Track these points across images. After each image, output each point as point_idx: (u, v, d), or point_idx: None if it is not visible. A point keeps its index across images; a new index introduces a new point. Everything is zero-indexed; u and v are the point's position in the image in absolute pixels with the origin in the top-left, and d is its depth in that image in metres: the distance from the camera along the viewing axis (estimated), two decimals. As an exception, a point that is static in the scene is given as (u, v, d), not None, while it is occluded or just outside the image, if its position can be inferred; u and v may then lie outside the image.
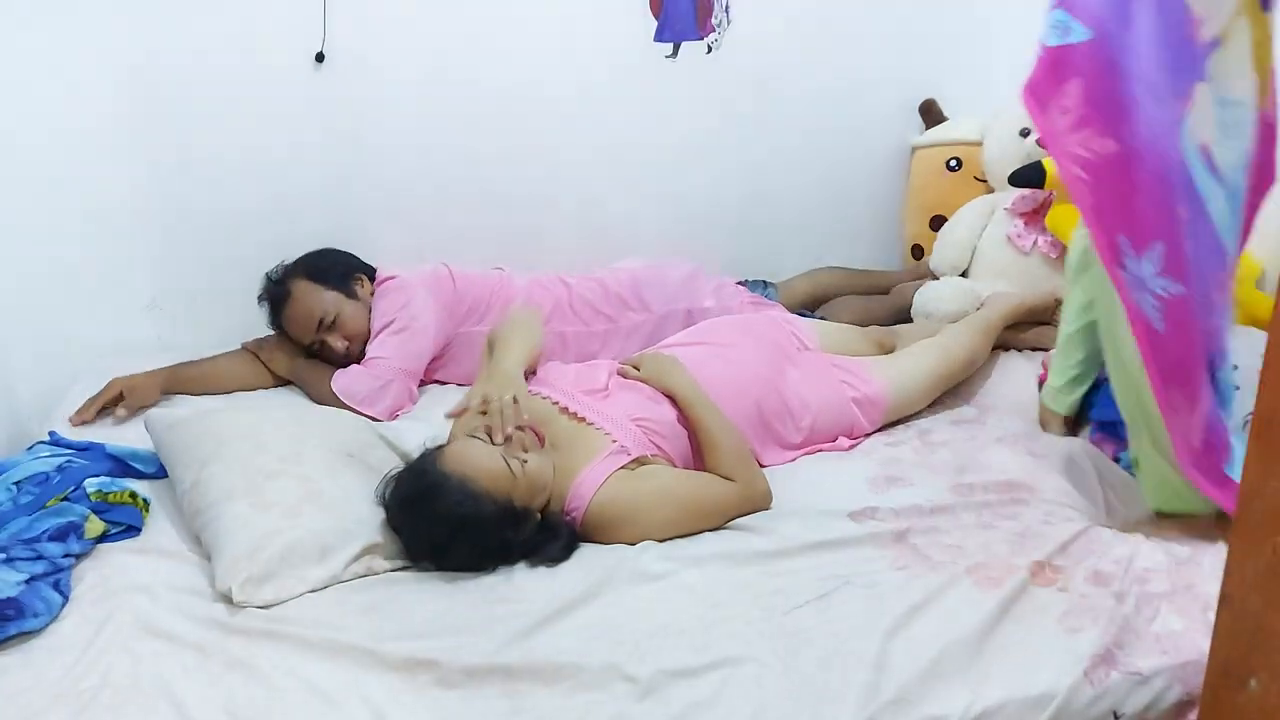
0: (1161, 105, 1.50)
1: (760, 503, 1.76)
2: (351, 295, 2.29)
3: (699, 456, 1.84)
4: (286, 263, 2.33)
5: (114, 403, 2.12)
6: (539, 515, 1.66)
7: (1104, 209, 1.51)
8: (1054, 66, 1.50)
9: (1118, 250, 1.50)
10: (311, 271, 2.28)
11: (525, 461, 1.64)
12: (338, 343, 2.26)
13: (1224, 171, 1.60)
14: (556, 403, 1.83)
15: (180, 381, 2.21)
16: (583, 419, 1.79)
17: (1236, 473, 1.45)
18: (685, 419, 1.85)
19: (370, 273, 2.37)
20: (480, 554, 1.60)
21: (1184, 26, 1.52)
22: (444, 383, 2.36)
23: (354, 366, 2.21)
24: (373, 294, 2.32)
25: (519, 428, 1.71)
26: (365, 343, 2.27)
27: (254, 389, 2.27)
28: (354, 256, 2.39)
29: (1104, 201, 1.51)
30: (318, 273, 2.28)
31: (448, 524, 1.57)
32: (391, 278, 2.32)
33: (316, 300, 2.25)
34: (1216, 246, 1.59)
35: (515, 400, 1.74)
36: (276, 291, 2.29)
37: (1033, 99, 1.54)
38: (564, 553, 1.62)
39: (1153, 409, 1.58)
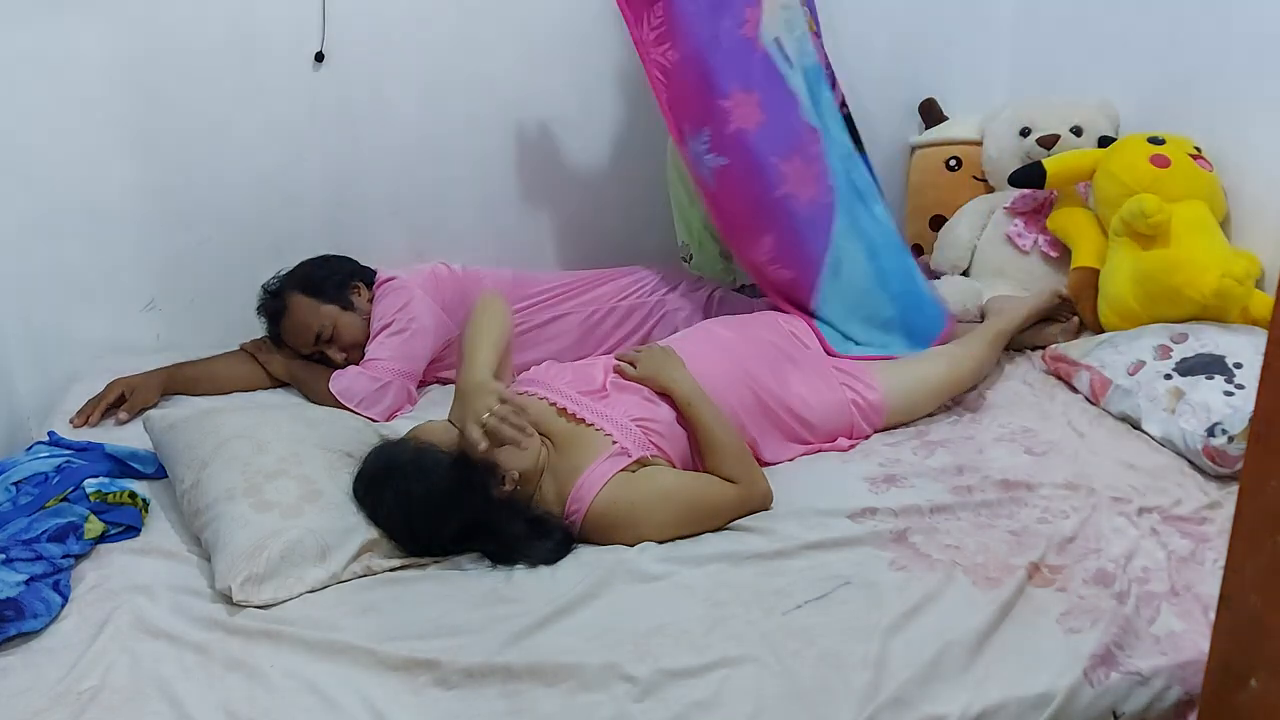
0: (709, 20, 2.04)
1: (761, 503, 1.76)
2: (348, 307, 2.28)
3: (698, 455, 1.84)
4: (282, 273, 2.32)
5: (116, 404, 2.12)
6: (516, 475, 1.63)
7: (673, 104, 2.11)
8: None
9: (683, 134, 2.13)
10: (307, 285, 2.27)
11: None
12: (336, 355, 2.26)
13: (794, 57, 2.17)
14: (554, 404, 1.82)
15: (179, 382, 2.21)
16: (581, 420, 1.78)
17: (825, 306, 2.21)
18: (683, 418, 1.85)
19: (368, 277, 2.36)
20: (445, 510, 1.59)
21: None
22: (445, 383, 2.36)
23: (352, 368, 2.21)
24: (371, 299, 2.32)
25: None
26: (362, 344, 2.27)
27: (252, 390, 2.27)
28: (351, 262, 2.38)
29: (673, 99, 2.10)
30: (313, 285, 2.27)
31: (400, 475, 1.61)
32: (391, 279, 2.32)
33: (313, 315, 2.24)
34: (800, 116, 2.16)
35: (503, 401, 1.61)
36: (273, 306, 2.28)
37: (630, 12, 2.07)
38: (556, 553, 1.62)
39: (710, 235, 2.31)
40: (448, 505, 1.60)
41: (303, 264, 2.34)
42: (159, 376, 2.19)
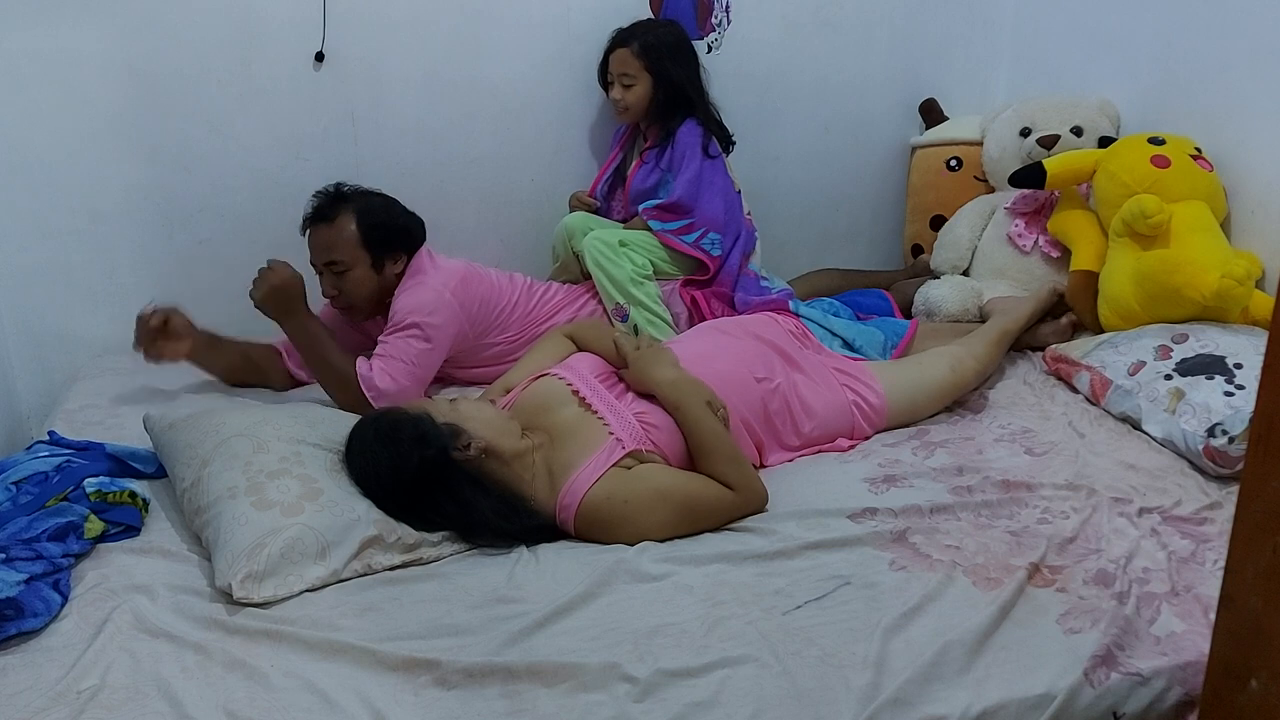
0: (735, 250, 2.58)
1: (758, 505, 1.76)
2: (378, 267, 2.22)
3: (693, 457, 1.83)
4: (357, 188, 2.24)
5: (161, 325, 2.11)
6: (483, 443, 1.68)
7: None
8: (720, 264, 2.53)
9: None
10: (364, 219, 2.19)
11: (453, 400, 1.81)
12: (330, 289, 2.22)
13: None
14: (570, 384, 1.84)
15: (212, 347, 2.20)
16: (590, 407, 1.80)
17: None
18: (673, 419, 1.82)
19: (414, 248, 2.28)
20: (402, 461, 1.65)
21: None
22: (447, 384, 2.35)
23: (376, 362, 2.16)
24: (401, 273, 2.25)
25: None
26: (357, 306, 2.24)
27: (266, 386, 2.27)
28: (414, 223, 2.29)
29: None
30: (369, 225, 2.19)
31: (364, 433, 1.72)
32: (429, 271, 2.25)
33: (346, 246, 2.18)
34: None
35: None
36: (327, 209, 2.20)
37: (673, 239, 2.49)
38: (525, 536, 1.65)
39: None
40: (404, 456, 1.65)
41: (378, 195, 2.26)
42: (199, 331, 2.17)
